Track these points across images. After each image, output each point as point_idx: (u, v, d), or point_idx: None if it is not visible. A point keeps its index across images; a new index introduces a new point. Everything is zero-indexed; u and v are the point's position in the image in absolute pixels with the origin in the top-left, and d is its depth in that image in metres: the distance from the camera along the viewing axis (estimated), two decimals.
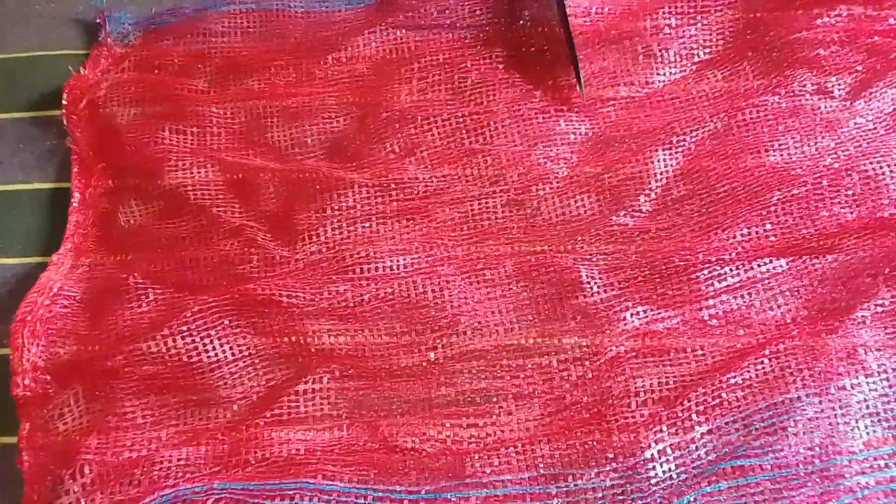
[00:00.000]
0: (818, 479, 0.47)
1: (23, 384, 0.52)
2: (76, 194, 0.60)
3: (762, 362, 0.50)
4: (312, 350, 0.53)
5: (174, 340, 0.52)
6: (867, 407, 0.49)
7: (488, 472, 0.48)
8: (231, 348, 0.53)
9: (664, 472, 0.47)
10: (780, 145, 0.58)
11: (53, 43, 0.69)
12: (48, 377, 0.52)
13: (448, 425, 0.50)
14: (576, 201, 0.57)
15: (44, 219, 0.61)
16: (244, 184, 0.59)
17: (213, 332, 0.53)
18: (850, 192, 0.56)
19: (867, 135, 0.58)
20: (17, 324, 0.54)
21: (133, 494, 0.47)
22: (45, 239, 0.60)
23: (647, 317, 0.53)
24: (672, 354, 0.52)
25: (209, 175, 0.59)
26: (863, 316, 0.51)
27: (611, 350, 0.52)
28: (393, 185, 0.58)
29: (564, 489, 0.47)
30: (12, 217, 0.61)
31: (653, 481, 0.47)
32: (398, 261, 0.55)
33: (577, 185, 0.58)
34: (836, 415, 0.49)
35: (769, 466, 0.47)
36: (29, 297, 0.55)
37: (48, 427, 0.51)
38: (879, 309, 0.52)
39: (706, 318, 0.53)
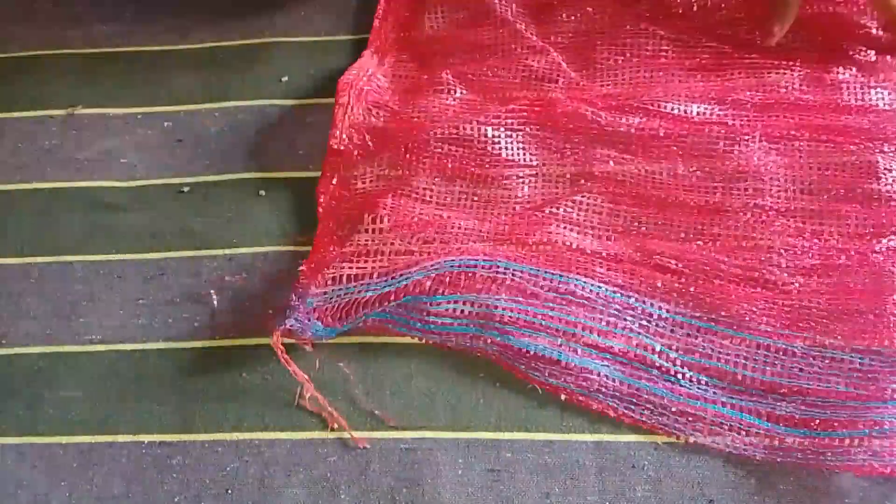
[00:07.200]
0: None
1: (340, 137, 0.59)
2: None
3: None
4: (596, 173, 0.56)
5: (480, 129, 0.57)
6: None
7: (745, 306, 0.50)
8: (526, 153, 0.57)
9: None
10: None
11: (54, 43, 0.69)
12: (366, 136, 0.59)
13: (713, 256, 0.52)
14: None
15: None
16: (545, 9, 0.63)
17: (514, 134, 0.57)
18: None
19: None
20: (343, 83, 0.60)
21: (430, 249, 0.53)
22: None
23: None
24: None
25: None
26: None
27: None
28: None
29: None
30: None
31: None
32: (692, 108, 0.57)
33: None
34: None
35: None
36: (350, 71, 0.61)
37: (348, 184, 0.58)
38: None
39: None
